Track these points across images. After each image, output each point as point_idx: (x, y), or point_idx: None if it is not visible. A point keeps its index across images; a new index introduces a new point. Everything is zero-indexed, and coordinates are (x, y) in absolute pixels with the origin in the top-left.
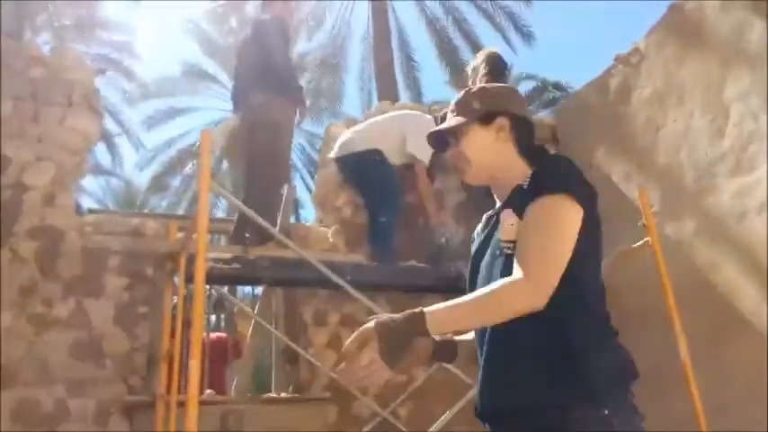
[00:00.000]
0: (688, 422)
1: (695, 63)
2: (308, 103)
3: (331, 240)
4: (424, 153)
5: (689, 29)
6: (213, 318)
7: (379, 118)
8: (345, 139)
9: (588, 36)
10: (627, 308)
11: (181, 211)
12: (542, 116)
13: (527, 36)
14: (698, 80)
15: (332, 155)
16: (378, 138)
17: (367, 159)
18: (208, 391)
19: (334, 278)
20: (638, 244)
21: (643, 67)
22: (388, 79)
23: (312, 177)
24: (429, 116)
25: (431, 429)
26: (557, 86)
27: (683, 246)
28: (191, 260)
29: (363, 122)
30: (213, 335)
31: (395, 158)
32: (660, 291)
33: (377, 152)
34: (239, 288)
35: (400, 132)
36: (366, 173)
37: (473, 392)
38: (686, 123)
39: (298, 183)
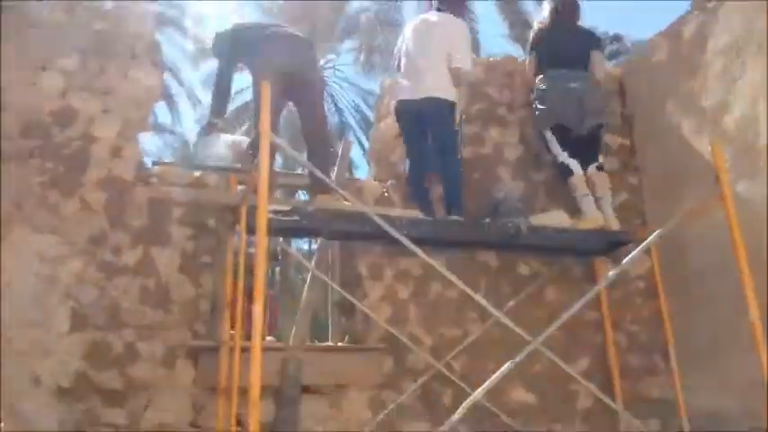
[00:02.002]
0: (753, 384)
1: None
2: (362, 57)
3: (386, 195)
4: (469, 64)
5: None
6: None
7: (429, 52)
8: (414, 83)
9: None
10: (695, 265)
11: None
12: (608, 67)
13: None
14: None
15: (402, 97)
16: (440, 81)
17: (439, 106)
18: (268, 337)
19: (393, 232)
20: (709, 199)
21: (720, 14)
22: None
23: (366, 135)
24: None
25: (485, 385)
26: (616, 38)
27: (756, 204)
28: (251, 211)
29: (419, 58)
30: None
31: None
32: (730, 249)
33: (446, 102)
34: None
35: (448, 55)
36: (442, 122)
37: (529, 349)
38: (766, 74)
39: (351, 140)
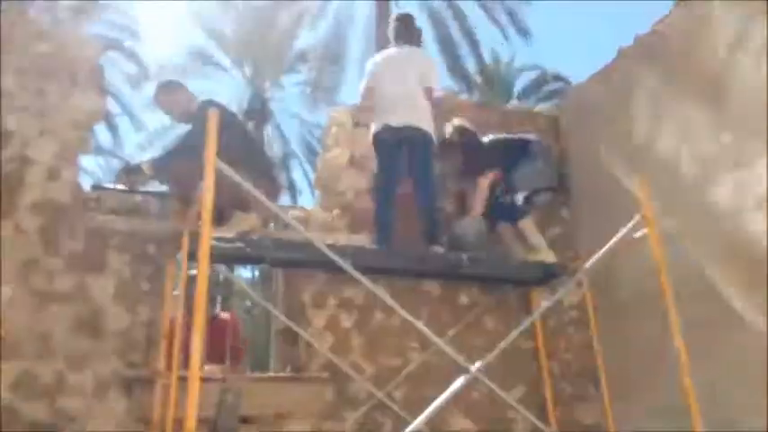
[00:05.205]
0: (681, 409)
1: (699, 57)
2: (308, 91)
3: (332, 222)
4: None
5: (693, 23)
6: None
7: (405, 86)
8: (400, 109)
9: (588, 31)
10: (625, 296)
11: None
12: (543, 108)
13: (523, 32)
14: (701, 74)
15: (388, 123)
16: (429, 116)
17: (427, 141)
18: (207, 367)
19: (338, 260)
20: (637, 234)
21: (645, 62)
22: None
23: (311, 165)
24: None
25: (424, 413)
26: (557, 77)
27: (680, 238)
28: (193, 238)
29: (393, 89)
30: (223, 314)
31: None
32: (657, 281)
33: (431, 137)
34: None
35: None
36: (424, 155)
37: (468, 377)
38: (688, 117)
39: (296, 170)
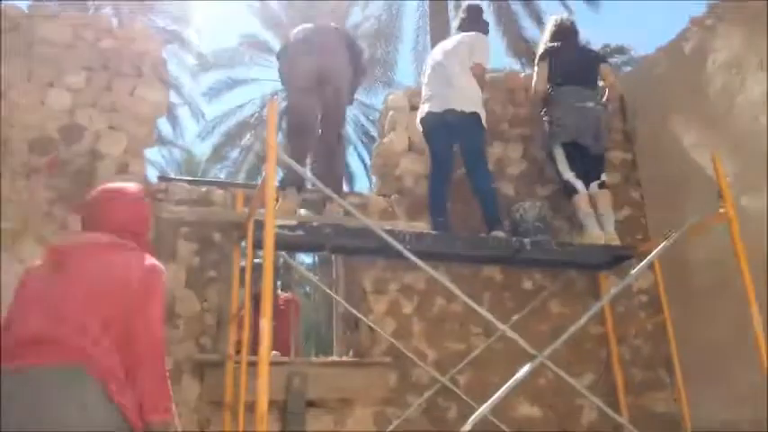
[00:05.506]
0: (759, 395)
1: None
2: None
3: (390, 209)
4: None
5: None
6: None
7: (451, 67)
8: (440, 94)
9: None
10: (700, 280)
11: (239, 181)
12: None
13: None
14: None
15: (429, 110)
16: (473, 96)
17: (471, 122)
18: (273, 352)
19: (398, 246)
20: (712, 214)
21: (720, 30)
22: None
23: (367, 149)
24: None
25: (491, 399)
26: (619, 50)
27: (759, 217)
28: (257, 226)
29: (438, 73)
30: (282, 296)
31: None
32: (735, 263)
33: (477, 116)
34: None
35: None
36: (471, 136)
37: (535, 363)
38: (765, 89)
39: (352, 155)
